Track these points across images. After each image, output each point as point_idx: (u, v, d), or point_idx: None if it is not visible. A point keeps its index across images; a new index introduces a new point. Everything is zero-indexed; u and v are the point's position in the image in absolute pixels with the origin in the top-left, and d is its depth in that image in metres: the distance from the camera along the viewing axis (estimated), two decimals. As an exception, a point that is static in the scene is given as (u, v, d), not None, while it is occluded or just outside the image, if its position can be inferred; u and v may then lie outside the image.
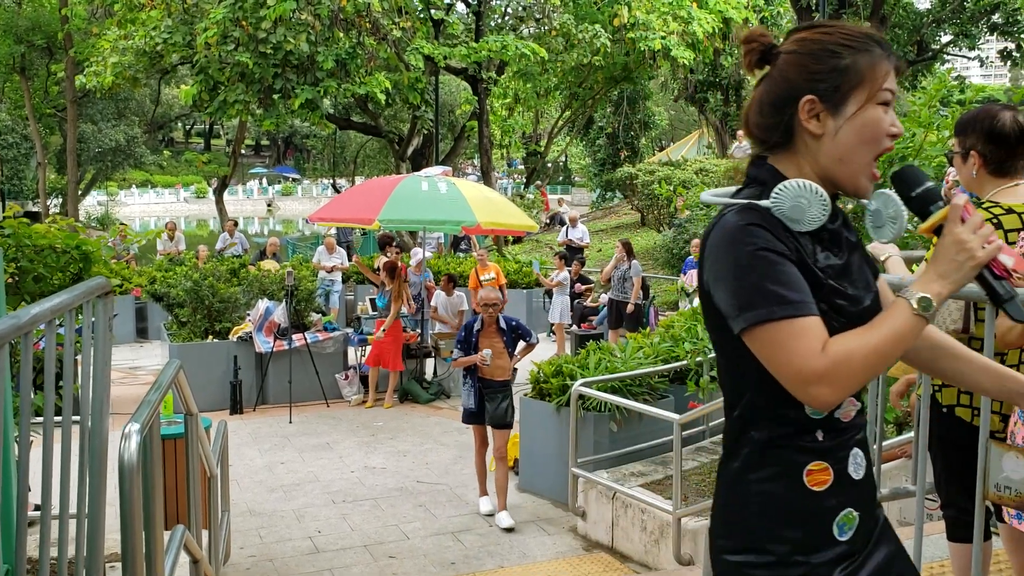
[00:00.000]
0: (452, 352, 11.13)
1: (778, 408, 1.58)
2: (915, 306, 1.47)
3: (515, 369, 7.09)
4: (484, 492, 7.06)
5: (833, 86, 1.57)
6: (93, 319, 2.36)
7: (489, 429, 6.90)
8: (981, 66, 32.52)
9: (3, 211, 6.64)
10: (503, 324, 6.92)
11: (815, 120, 1.58)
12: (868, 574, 1.63)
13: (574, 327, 13.25)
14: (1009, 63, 28.65)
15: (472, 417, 6.92)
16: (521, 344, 7.11)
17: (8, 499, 2.45)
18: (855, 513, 1.61)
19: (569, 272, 13.68)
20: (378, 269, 12.57)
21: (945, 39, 29.01)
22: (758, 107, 1.66)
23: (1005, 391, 1.77)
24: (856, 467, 1.62)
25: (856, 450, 1.63)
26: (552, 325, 13.39)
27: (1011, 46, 27.77)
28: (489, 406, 6.81)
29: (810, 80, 1.59)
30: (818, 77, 1.58)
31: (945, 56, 30.38)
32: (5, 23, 29.30)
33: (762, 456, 1.60)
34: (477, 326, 6.87)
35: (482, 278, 12.45)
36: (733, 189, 1.67)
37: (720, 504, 1.67)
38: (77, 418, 2.39)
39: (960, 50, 29.53)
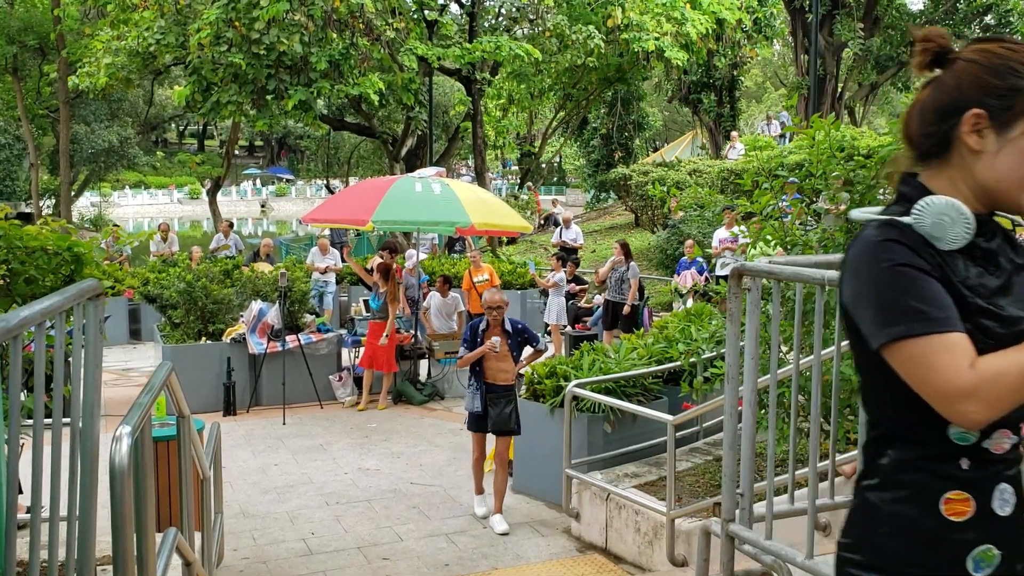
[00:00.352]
0: (444, 353, 11.18)
1: (920, 429, 1.55)
2: None
3: (520, 374, 6.97)
4: (480, 490, 6.95)
5: (1006, 105, 1.51)
6: (84, 321, 2.35)
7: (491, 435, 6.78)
8: (974, 67, 32.59)
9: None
10: (508, 327, 6.74)
11: (976, 135, 1.53)
12: None
13: (568, 328, 13.25)
14: (1002, 64, 28.71)
15: (477, 423, 6.73)
16: (528, 350, 6.96)
17: (-1, 502, 2.44)
18: (996, 551, 1.55)
19: (565, 273, 13.68)
20: (371, 269, 12.56)
21: (938, 40, 29.04)
22: (920, 112, 1.61)
23: None
24: (1002, 503, 1.56)
25: (1006, 485, 1.56)
26: (548, 326, 13.40)
27: (1003, 47, 27.84)
28: (492, 411, 6.64)
29: (983, 93, 1.53)
30: (993, 92, 1.52)
31: (938, 57, 30.44)
32: (-3, 24, 29.26)
33: (898, 476, 1.57)
34: (483, 326, 6.72)
35: (475, 279, 12.44)
36: (881, 208, 1.62)
37: (853, 519, 1.65)
38: (67, 420, 2.38)
39: (953, 51, 29.60)
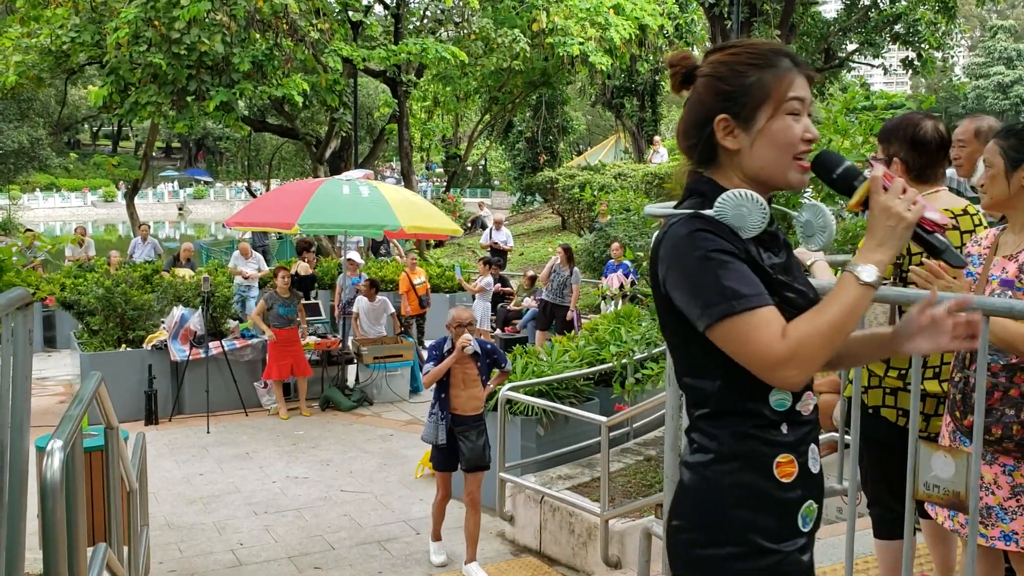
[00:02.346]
0: (373, 358, 11.06)
1: (746, 402, 1.66)
2: (861, 277, 1.56)
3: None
4: (438, 535, 6.18)
5: (742, 103, 1.68)
6: (12, 333, 2.26)
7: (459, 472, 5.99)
8: (885, 74, 33.71)
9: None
10: (478, 348, 5.95)
11: (731, 137, 1.69)
12: (808, 563, 1.74)
13: (498, 331, 13.26)
14: (910, 71, 29.72)
15: (444, 459, 5.94)
16: (495, 371, 6.25)
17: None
18: (815, 505, 1.70)
19: (492, 276, 13.69)
20: (297, 274, 12.39)
21: (851, 47, 29.98)
22: (683, 128, 1.78)
23: (894, 344, 1.76)
24: (813, 461, 1.71)
25: (813, 445, 1.72)
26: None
27: (912, 55, 28.82)
28: (463, 445, 5.86)
29: (722, 100, 1.69)
30: (728, 96, 1.69)
31: (851, 64, 31.40)
32: (-102, 19, 28.00)
33: (733, 449, 1.67)
34: (447, 347, 5.92)
35: (414, 282, 12.38)
36: (673, 203, 1.76)
37: (686, 499, 1.72)
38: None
39: (865, 58, 30.54)
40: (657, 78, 28.98)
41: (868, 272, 1.57)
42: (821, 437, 4.80)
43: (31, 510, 2.56)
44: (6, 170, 36.19)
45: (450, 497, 6.07)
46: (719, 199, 1.65)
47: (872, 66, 32.79)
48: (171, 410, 10.11)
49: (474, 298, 13.77)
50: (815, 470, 1.71)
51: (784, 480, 1.66)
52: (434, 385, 5.94)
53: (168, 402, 10.11)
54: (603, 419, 5.88)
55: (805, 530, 1.69)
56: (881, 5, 28.25)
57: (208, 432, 9.49)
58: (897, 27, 28.24)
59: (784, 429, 1.67)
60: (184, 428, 9.73)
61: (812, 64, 28.18)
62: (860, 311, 1.58)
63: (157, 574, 5.91)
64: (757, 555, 1.65)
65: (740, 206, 1.64)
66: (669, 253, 1.66)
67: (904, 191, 1.60)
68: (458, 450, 5.87)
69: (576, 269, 12.64)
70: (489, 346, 6.15)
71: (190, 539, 6.60)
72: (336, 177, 11.69)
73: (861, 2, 28.75)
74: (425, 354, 7.15)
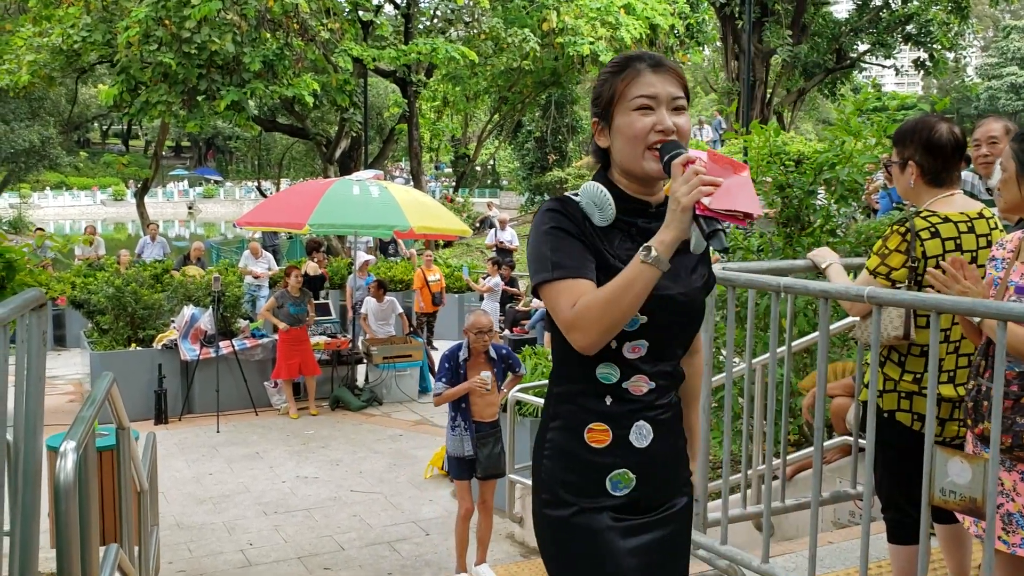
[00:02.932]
0: (383, 358, 11.07)
1: (574, 368, 1.91)
2: (641, 256, 1.72)
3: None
4: (463, 566, 5.76)
5: (602, 106, 1.93)
6: (27, 333, 2.26)
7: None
8: (896, 74, 33.55)
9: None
10: (493, 353, 5.72)
11: (602, 137, 1.95)
12: (644, 542, 1.91)
13: (507, 332, 13.25)
14: (922, 72, 29.60)
15: (466, 469, 5.65)
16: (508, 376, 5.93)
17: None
18: (631, 475, 1.90)
19: (501, 276, 13.67)
20: (307, 275, 12.39)
21: (862, 48, 29.85)
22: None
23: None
24: (639, 437, 1.90)
25: (644, 423, 1.90)
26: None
27: (924, 55, 28.70)
28: (480, 453, 5.62)
29: (592, 106, 1.98)
30: (595, 102, 1.96)
31: (862, 64, 31.27)
32: (-89, 18, 28.13)
33: (558, 409, 1.95)
34: (463, 355, 5.65)
35: (429, 278, 12.39)
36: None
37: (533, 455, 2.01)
38: (10, 437, 2.28)
39: (876, 59, 30.41)
40: (667, 78, 28.89)
41: (647, 252, 1.71)
42: (834, 440, 4.78)
43: (43, 509, 2.57)
44: (17, 169, 36.30)
45: (472, 513, 5.71)
46: (581, 187, 1.91)
47: (884, 67, 32.62)
48: (181, 409, 10.13)
49: (482, 298, 13.76)
50: (639, 445, 1.89)
51: (594, 445, 1.89)
52: None
53: (178, 401, 10.13)
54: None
55: (616, 494, 1.89)
56: (893, 5, 28.12)
57: (218, 431, 9.50)
58: (909, 27, 28.10)
59: (608, 401, 1.88)
60: (194, 427, 9.75)
61: (823, 65, 28.19)
62: (638, 287, 1.73)
63: (167, 574, 5.91)
64: (558, 505, 1.91)
65: (590, 201, 1.88)
66: (531, 226, 1.94)
67: (692, 176, 1.72)
68: (476, 458, 5.63)
69: None
70: (504, 351, 5.93)
71: (200, 539, 6.61)
72: (346, 177, 11.69)
73: (873, 2, 28.62)
74: (435, 356, 7.09)
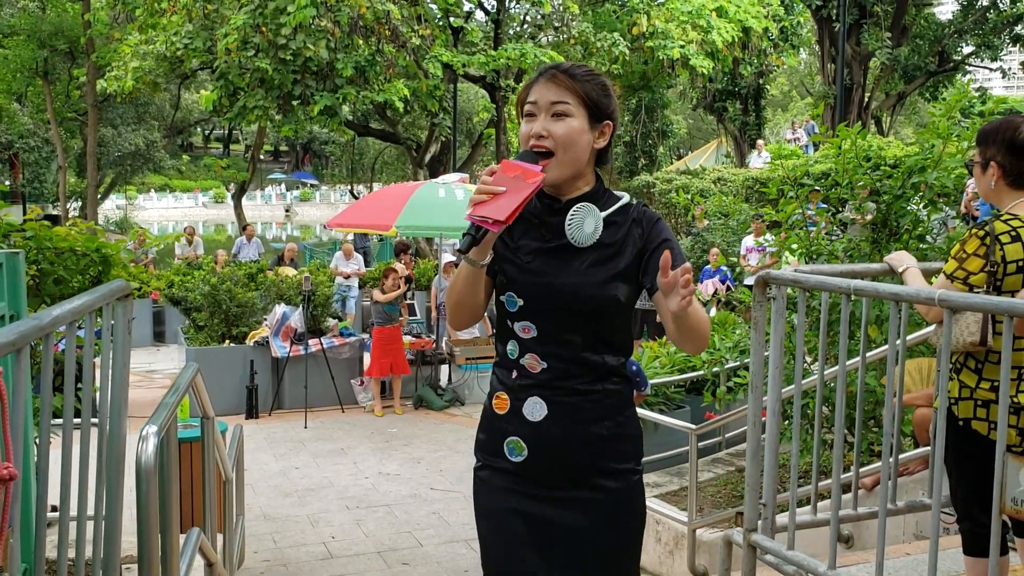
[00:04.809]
0: (466, 359, 11.18)
1: (499, 342, 2.18)
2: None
3: None
4: None
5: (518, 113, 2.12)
6: (112, 322, 2.38)
7: None
8: (1003, 77, 32.34)
9: (24, 214, 6.69)
10: None
11: None
12: (536, 513, 2.10)
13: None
14: (1031, 75, 28.46)
15: None
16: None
17: (27, 500, 2.47)
18: (524, 445, 2.09)
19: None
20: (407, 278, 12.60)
21: (967, 50, 28.85)
22: None
23: (663, 308, 2.02)
24: (533, 411, 2.08)
25: (538, 399, 2.08)
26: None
27: (1033, 58, 27.61)
28: None
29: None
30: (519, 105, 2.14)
31: (967, 67, 30.21)
32: (29, 28, 29.57)
33: (490, 378, 2.23)
34: None
35: None
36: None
37: None
38: (95, 420, 2.40)
39: (982, 61, 29.38)
40: (761, 81, 28.47)
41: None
42: (918, 451, 4.65)
43: (128, 496, 2.69)
44: (123, 171, 37.82)
45: None
46: None
47: (990, 69, 31.48)
48: (271, 405, 10.42)
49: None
50: (533, 419, 2.07)
51: (497, 411, 2.14)
52: None
53: (268, 397, 10.42)
54: (691, 427, 5.81)
55: (511, 459, 2.11)
56: (1001, 6, 27.10)
57: (305, 427, 9.74)
58: (1018, 28, 27.06)
59: (513, 374, 2.11)
60: (283, 423, 10.02)
61: (925, 68, 27.33)
62: (461, 278, 2.03)
63: (252, 563, 6.09)
64: (476, 460, 2.22)
65: None
66: None
67: (480, 187, 1.93)
68: None
69: None
70: (635, 367, 5.49)
71: (284, 530, 6.79)
72: (432, 181, 11.86)
73: (979, 3, 27.64)
74: None
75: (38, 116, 34.69)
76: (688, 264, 1.80)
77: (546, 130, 2.00)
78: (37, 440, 2.10)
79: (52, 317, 1.82)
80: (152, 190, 56.38)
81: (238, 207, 24.40)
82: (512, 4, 21.43)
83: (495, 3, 20.96)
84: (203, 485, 3.80)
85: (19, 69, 30.78)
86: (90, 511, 2.36)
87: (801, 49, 29.47)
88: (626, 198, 2.12)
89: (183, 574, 2.98)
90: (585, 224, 2.01)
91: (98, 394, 2.32)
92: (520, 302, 2.06)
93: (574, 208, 2.02)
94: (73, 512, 2.25)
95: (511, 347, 2.11)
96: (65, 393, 2.04)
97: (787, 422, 4.47)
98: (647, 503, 5.82)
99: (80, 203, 34.33)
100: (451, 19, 19.12)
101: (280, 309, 10.63)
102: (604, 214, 2.05)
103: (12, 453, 1.44)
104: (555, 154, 2.01)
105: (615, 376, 2.12)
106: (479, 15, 22.26)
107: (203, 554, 3.55)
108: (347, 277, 14.64)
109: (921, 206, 5.20)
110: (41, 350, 1.86)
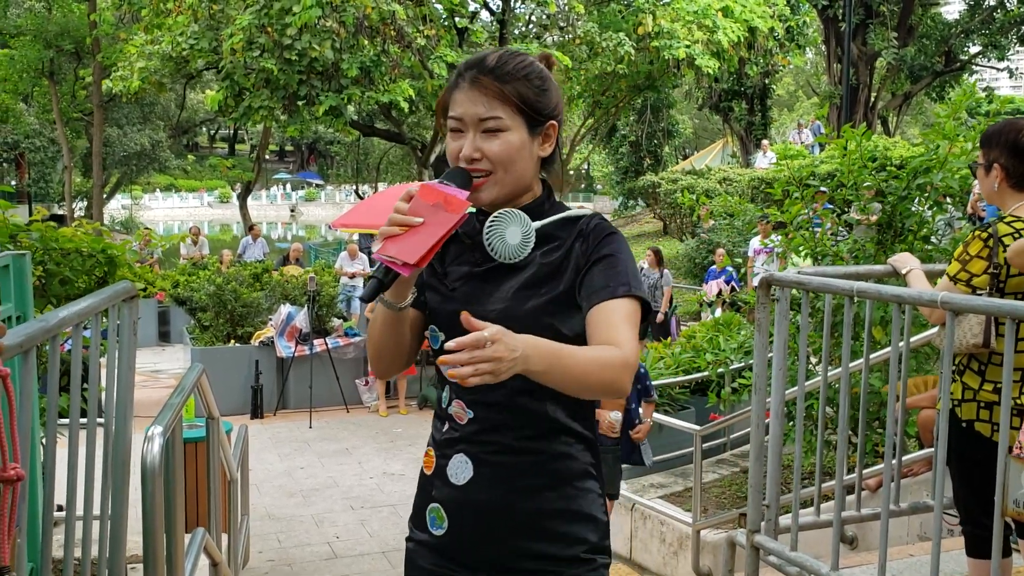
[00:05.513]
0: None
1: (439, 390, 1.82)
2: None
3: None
4: None
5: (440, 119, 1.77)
6: (118, 323, 2.39)
7: None
8: (1011, 77, 32.23)
9: (30, 213, 6.74)
10: None
11: None
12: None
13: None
14: (1037, 75, 28.41)
15: None
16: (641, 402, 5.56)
17: (34, 500, 2.48)
18: (444, 514, 1.68)
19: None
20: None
21: (974, 50, 28.80)
22: None
23: None
24: (456, 473, 1.67)
25: (463, 456, 1.67)
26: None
27: (1040, 57, 27.56)
28: (606, 470, 5.21)
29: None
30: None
31: (973, 67, 30.17)
32: (35, 28, 29.66)
33: None
34: None
35: None
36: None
37: None
38: (101, 420, 2.42)
39: (989, 61, 29.32)
40: (767, 81, 28.45)
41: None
42: (921, 452, 4.65)
43: (134, 495, 2.70)
44: (129, 171, 37.93)
45: None
46: None
47: (997, 69, 31.41)
48: (276, 405, 10.44)
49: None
50: (456, 482, 1.67)
51: (424, 470, 1.75)
52: None
53: (273, 397, 10.44)
54: (696, 428, 5.82)
55: (433, 531, 1.70)
56: (1008, 5, 27.05)
57: (310, 427, 9.76)
58: (1024, 28, 27.03)
59: (444, 427, 1.72)
60: (287, 423, 10.04)
61: (931, 68, 27.30)
62: (377, 323, 1.71)
63: (256, 563, 6.11)
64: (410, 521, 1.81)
65: None
66: None
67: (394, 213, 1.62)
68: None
69: (667, 271, 12.49)
70: (642, 370, 5.44)
71: (289, 530, 6.80)
72: (434, 180, 11.86)
73: (986, 2, 27.59)
74: None
75: (44, 116, 34.79)
76: (482, 335, 1.35)
77: (478, 151, 1.66)
78: (43, 440, 2.12)
79: (59, 319, 1.84)
80: (157, 190, 56.50)
81: (243, 207, 24.46)
82: (517, 4, 21.46)
83: (500, 3, 20.99)
84: (208, 485, 3.82)
85: (25, 69, 30.86)
86: (96, 511, 2.37)
87: (807, 49, 29.43)
88: (578, 211, 1.74)
89: (188, 574, 3.00)
90: (508, 234, 1.64)
91: (104, 394, 2.33)
92: (442, 336, 1.72)
93: (493, 216, 1.65)
94: (79, 512, 2.26)
95: (444, 393, 1.75)
96: (72, 394, 2.06)
97: (791, 423, 4.48)
98: (652, 504, 5.83)
99: (85, 203, 34.42)
100: (456, 19, 19.13)
101: (285, 309, 10.65)
102: (538, 224, 1.68)
103: (20, 453, 1.45)
104: (493, 173, 1.67)
105: (566, 435, 1.68)
106: (484, 15, 22.29)
107: (208, 554, 3.57)
108: (352, 277, 14.65)
109: (926, 207, 5.20)
110: (48, 351, 1.88)
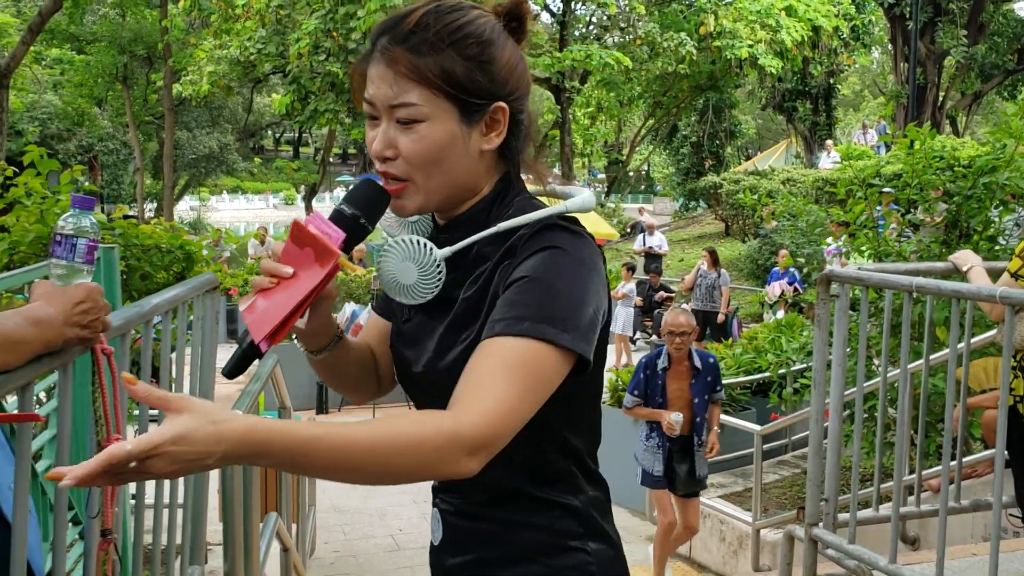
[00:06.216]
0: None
1: None
2: None
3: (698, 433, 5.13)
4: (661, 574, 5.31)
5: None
6: (202, 313, 2.53)
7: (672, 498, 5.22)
8: (1086, 75, 31.29)
9: (103, 213, 7.01)
10: (698, 361, 5.04)
11: None
12: None
13: (653, 337, 13.24)
14: (1117, 72, 27.53)
15: (658, 481, 5.15)
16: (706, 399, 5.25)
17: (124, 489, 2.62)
18: (430, 573, 1.44)
19: (640, 282, 13.68)
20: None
21: (1049, 47, 28.02)
22: None
23: None
24: (434, 528, 1.41)
25: (436, 512, 1.41)
26: (613, 335, 13.45)
27: (1120, 54, 26.71)
28: (678, 469, 5.09)
29: None
30: None
31: (1048, 65, 29.34)
32: (110, 35, 30.58)
33: None
34: (663, 363, 5.01)
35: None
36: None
37: None
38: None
39: (1064, 59, 28.50)
40: (832, 81, 28.06)
41: None
42: (986, 453, 4.60)
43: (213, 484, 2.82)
44: (197, 173, 38.82)
45: (675, 525, 5.24)
46: None
47: (1072, 66, 30.53)
48: (340, 401, 10.64)
49: (616, 304, 13.81)
50: (432, 539, 1.42)
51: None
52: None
53: (337, 393, 10.64)
54: (756, 428, 5.84)
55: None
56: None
57: (373, 423, 9.93)
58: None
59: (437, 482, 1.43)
60: (352, 418, 10.16)
61: (1003, 66, 26.63)
62: (317, 369, 1.47)
63: (322, 553, 6.27)
64: None
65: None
66: None
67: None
68: (674, 473, 5.09)
69: (724, 271, 12.45)
70: (712, 360, 5.19)
71: (353, 523, 6.96)
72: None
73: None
74: None
75: (117, 120, 35.78)
76: (117, 453, 0.93)
77: (391, 146, 1.24)
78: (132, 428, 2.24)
79: (152, 305, 1.97)
80: (224, 192, 57.64)
81: (309, 209, 24.90)
82: (578, 6, 21.50)
83: (560, 5, 21.06)
84: (278, 474, 3.96)
85: (100, 74, 31.85)
86: (180, 498, 2.50)
87: (873, 48, 28.98)
88: (523, 218, 1.25)
89: (263, 556, 3.13)
90: (400, 272, 1.27)
91: (188, 382, 2.46)
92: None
93: (384, 248, 1.28)
94: (162, 498, 2.38)
95: None
96: (160, 381, 2.18)
97: (851, 425, 4.48)
98: (712, 503, 5.85)
99: (155, 204, 35.32)
100: (517, 21, 19.24)
101: (349, 308, 10.86)
102: (448, 250, 1.27)
103: (121, 427, 1.58)
104: (410, 180, 1.26)
105: (531, 502, 1.31)
106: (544, 17, 22.39)
107: (280, 539, 3.70)
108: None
109: (992, 207, 5.14)
110: (142, 336, 2.01)
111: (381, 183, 1.28)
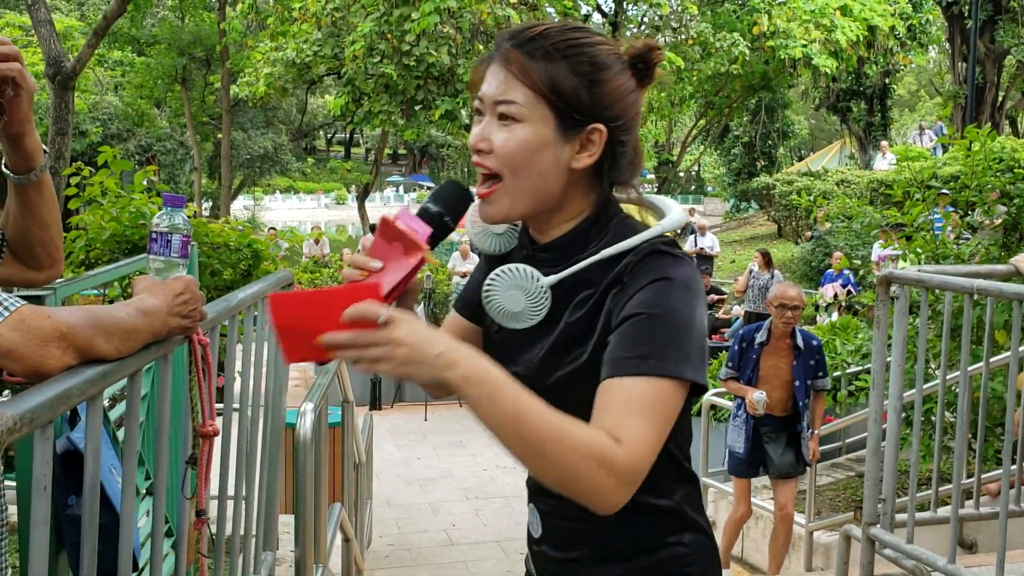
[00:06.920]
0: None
1: None
2: None
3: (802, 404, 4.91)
4: (728, 562, 5.37)
5: None
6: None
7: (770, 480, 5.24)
8: None
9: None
10: (800, 341, 4.86)
11: None
12: None
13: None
14: None
15: (740, 466, 5.10)
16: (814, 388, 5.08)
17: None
18: (532, 567, 1.52)
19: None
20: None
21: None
22: None
23: None
24: (533, 523, 1.46)
25: (534, 508, 1.46)
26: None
27: None
28: (771, 449, 4.97)
29: None
30: None
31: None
32: (170, 37, 31.22)
33: None
34: (761, 337, 4.87)
35: None
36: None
37: None
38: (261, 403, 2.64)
39: None
40: (887, 81, 27.66)
41: None
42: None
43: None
44: (252, 173, 39.44)
45: (749, 514, 5.30)
46: None
47: None
48: (393, 397, 10.80)
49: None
50: (536, 534, 1.46)
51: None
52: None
53: (391, 390, 10.80)
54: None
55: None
56: None
57: (426, 420, 10.07)
58: None
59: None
60: (404, 415, 10.38)
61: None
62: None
63: (377, 546, 6.40)
64: None
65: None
66: None
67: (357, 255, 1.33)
68: (764, 455, 5.00)
69: (777, 272, 12.35)
70: (816, 342, 4.97)
71: (407, 517, 7.08)
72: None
73: (1126, -4, 26.15)
74: None
75: (175, 120, 36.48)
76: (372, 309, 1.11)
77: (485, 140, 1.30)
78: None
79: (238, 300, 2.07)
80: (277, 191, 58.43)
81: (361, 208, 25.17)
82: (630, 6, 21.48)
83: (613, 5, 21.06)
84: (342, 465, 4.07)
85: (160, 76, 32.52)
86: (252, 490, 2.59)
87: (930, 47, 28.50)
88: (630, 242, 1.29)
89: (329, 545, 3.23)
90: (507, 301, 1.30)
91: (264, 378, 2.56)
92: None
93: (488, 279, 1.30)
94: (241, 490, 2.48)
95: None
96: (243, 377, 2.29)
97: (908, 428, 4.46)
98: (765, 504, 5.85)
99: (211, 203, 35.96)
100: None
101: (401, 306, 11.01)
102: (554, 278, 1.30)
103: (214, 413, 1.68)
104: (500, 178, 1.31)
105: (641, 509, 1.33)
106: (596, 17, 22.39)
107: (342, 529, 3.81)
108: (464, 276, 14.98)
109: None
110: (228, 329, 2.11)
111: (474, 189, 1.35)
